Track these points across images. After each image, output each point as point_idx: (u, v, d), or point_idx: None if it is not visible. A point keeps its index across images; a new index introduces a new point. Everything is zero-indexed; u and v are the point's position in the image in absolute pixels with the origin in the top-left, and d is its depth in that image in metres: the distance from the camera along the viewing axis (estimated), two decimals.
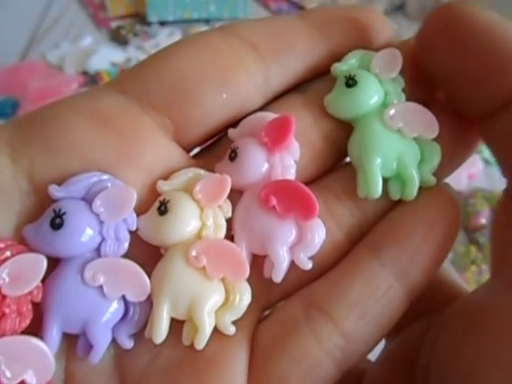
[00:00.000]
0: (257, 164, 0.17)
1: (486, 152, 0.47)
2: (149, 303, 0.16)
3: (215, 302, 0.16)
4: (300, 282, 0.16)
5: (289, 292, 0.17)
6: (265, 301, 0.16)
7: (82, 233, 0.15)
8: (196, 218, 0.16)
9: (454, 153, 0.17)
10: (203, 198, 0.16)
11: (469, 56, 0.15)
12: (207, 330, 0.15)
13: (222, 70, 0.17)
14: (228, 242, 0.16)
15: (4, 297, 0.14)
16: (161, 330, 0.15)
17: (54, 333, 0.15)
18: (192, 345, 0.15)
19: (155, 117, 0.16)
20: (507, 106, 0.15)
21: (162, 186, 0.16)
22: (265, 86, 0.17)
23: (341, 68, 0.17)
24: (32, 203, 0.15)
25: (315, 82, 0.18)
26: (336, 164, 0.18)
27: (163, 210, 0.16)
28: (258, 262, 0.16)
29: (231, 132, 0.18)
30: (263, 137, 0.17)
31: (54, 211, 0.15)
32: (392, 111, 0.17)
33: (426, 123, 0.17)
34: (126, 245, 0.16)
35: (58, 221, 0.15)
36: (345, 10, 0.18)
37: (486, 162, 0.47)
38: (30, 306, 0.15)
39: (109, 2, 0.65)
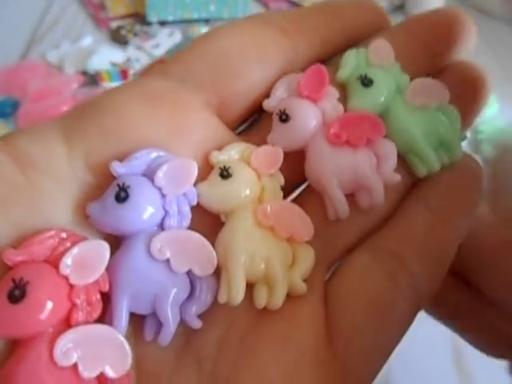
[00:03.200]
0: (312, 116, 0.18)
1: (486, 152, 0.47)
2: (214, 280, 0.16)
3: (288, 260, 0.16)
4: (361, 231, 0.17)
5: (350, 244, 0.18)
6: (328, 258, 0.17)
7: (148, 205, 0.15)
8: (257, 182, 0.17)
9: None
10: (260, 165, 0.17)
11: None
12: (284, 286, 0.15)
13: (258, 46, 0.18)
14: (291, 204, 0.17)
15: (72, 287, 0.14)
16: (239, 290, 0.15)
17: (124, 314, 0.14)
18: (264, 309, 0.15)
19: (200, 95, 0.17)
20: None
21: (218, 156, 0.17)
22: (295, 60, 0.19)
23: (346, 73, 0.19)
24: (89, 187, 0.16)
25: (334, 57, 0.20)
26: None
27: (226, 174, 0.16)
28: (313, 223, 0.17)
29: (266, 102, 0.18)
30: (302, 91, 0.18)
31: (118, 185, 0.15)
32: (412, 90, 0.18)
33: (436, 93, 0.18)
34: (189, 219, 0.16)
35: (123, 194, 0.15)
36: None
37: (486, 161, 0.47)
38: (98, 296, 0.14)
39: (109, 2, 0.65)
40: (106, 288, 0.14)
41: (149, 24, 0.63)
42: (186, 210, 0.16)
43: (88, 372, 0.13)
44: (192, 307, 0.15)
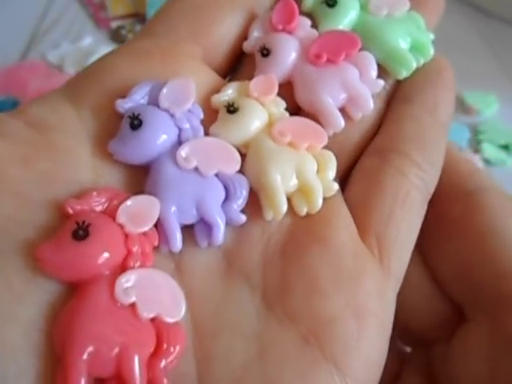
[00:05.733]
0: (291, 46, 0.19)
1: (486, 152, 0.47)
2: (243, 177, 0.17)
3: (315, 166, 0.17)
4: (359, 141, 0.19)
5: (353, 155, 0.19)
6: (340, 166, 0.18)
7: (162, 126, 0.16)
8: (263, 109, 0.18)
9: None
10: (260, 94, 0.18)
11: None
12: (320, 190, 0.17)
13: None
14: (300, 117, 0.18)
15: (127, 236, 0.15)
16: (283, 205, 0.16)
17: (175, 225, 0.15)
18: (294, 220, 0.17)
19: (185, 46, 0.19)
20: None
21: (219, 97, 0.18)
22: (263, 2, 0.21)
23: (311, 0, 0.20)
24: (101, 137, 0.17)
25: None
26: None
27: (232, 109, 0.17)
28: None
29: (246, 44, 0.20)
30: (276, 25, 0.19)
31: (129, 116, 0.16)
32: (374, 3, 0.20)
33: (396, 3, 0.20)
34: (202, 131, 0.17)
35: (136, 122, 0.16)
36: None
37: (486, 162, 0.47)
38: (151, 248, 0.15)
39: (109, 2, 0.65)
40: (155, 242, 0.15)
41: None
42: (197, 123, 0.17)
43: (146, 312, 0.14)
44: (232, 204, 0.16)
